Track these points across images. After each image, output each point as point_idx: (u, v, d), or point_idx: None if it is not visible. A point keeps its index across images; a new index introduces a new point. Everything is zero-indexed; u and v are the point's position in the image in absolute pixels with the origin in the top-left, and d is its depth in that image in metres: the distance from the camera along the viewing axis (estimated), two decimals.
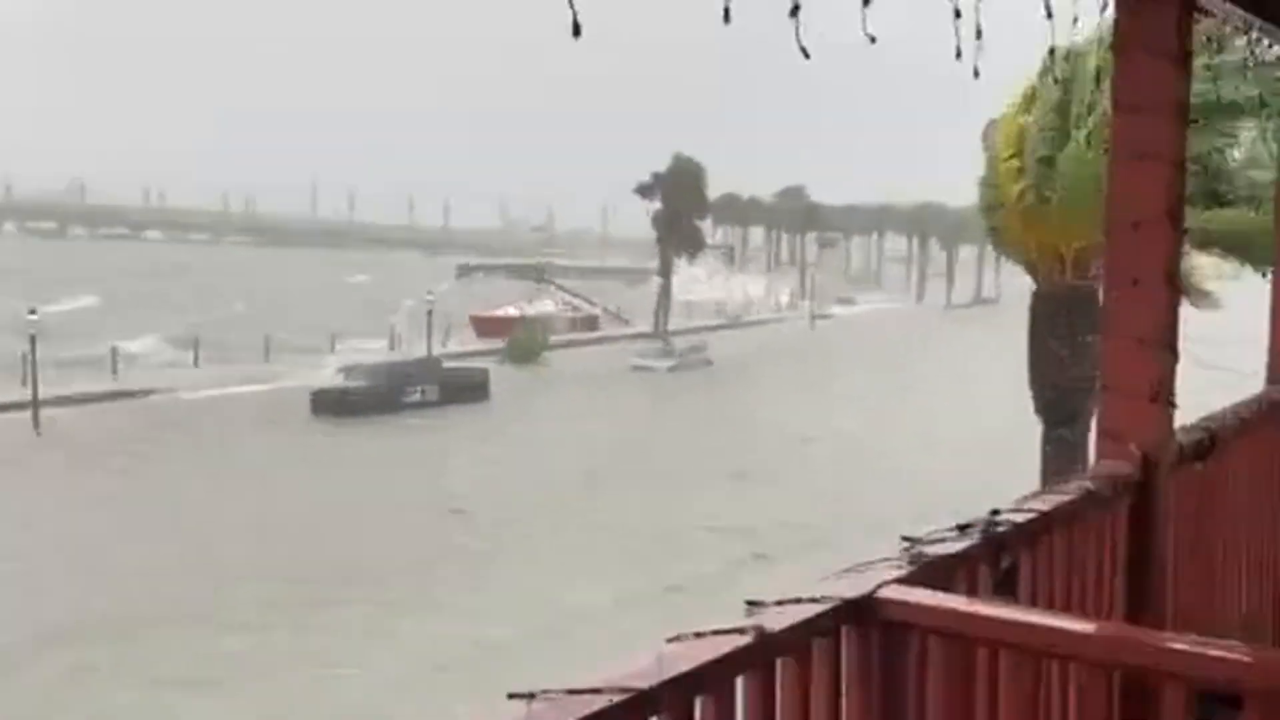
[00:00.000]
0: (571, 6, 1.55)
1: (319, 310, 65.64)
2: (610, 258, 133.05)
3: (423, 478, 27.44)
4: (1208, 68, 6.79)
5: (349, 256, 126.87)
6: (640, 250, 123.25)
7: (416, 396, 38.38)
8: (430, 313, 44.52)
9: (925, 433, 34.44)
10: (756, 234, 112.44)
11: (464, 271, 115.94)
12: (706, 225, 77.40)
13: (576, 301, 68.08)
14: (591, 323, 66.20)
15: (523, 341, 51.12)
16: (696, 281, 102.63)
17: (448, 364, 42.62)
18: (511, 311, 60.45)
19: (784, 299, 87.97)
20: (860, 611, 2.07)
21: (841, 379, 46.12)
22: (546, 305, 64.69)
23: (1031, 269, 14.77)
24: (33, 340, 34.71)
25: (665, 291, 63.86)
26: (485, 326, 59.35)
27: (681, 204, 61.57)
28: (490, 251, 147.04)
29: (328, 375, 40.92)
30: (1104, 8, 2.87)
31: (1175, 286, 3.05)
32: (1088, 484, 2.90)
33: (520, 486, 26.80)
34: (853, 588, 2.09)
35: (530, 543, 21.94)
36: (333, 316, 58.56)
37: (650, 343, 55.25)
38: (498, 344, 52.06)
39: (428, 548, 21.82)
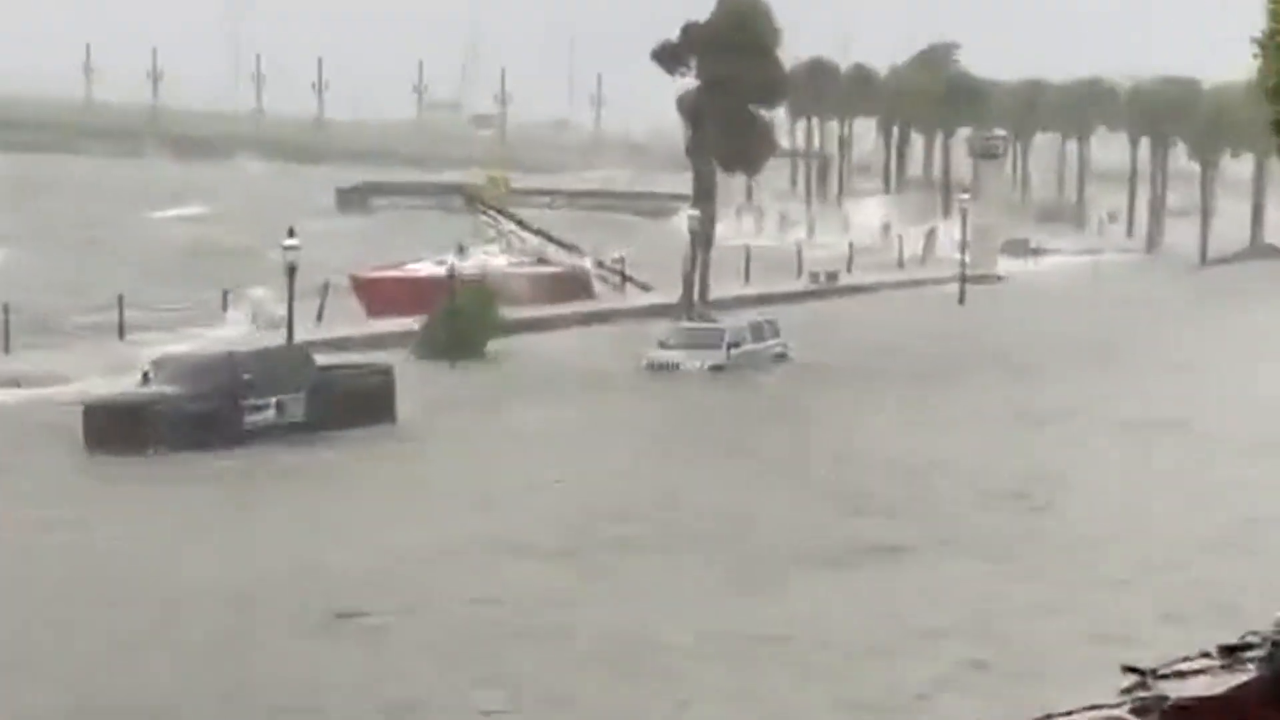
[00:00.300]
0: None
1: (102, 265, 65.58)
2: (608, 173, 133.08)
3: (295, 567, 27.30)
4: None
5: (152, 168, 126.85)
6: (660, 161, 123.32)
7: (269, 414, 38.06)
8: (293, 269, 44.20)
9: (1172, 484, 34.50)
10: (866, 131, 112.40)
11: (351, 197, 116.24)
12: (779, 117, 77.25)
13: (550, 250, 68.06)
14: (576, 288, 66.41)
15: (454, 320, 50.86)
16: (761, 216, 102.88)
17: (324, 358, 41.99)
18: (430, 269, 60.57)
19: (915, 244, 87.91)
20: None
21: (1023, 393, 46.06)
22: (495, 257, 64.68)
23: None
24: None
25: (705, 232, 63.81)
26: (380, 295, 59.43)
27: (734, 78, 61.44)
28: (398, 160, 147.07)
29: (122, 377, 41.03)
30: None
31: None
32: None
33: (473, 582, 26.67)
34: None
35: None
36: (126, 277, 58.55)
37: (679, 322, 55.16)
38: (412, 324, 52.07)
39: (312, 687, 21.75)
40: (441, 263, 60.57)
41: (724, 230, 71.41)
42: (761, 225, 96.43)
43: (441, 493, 33.61)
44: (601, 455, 37.64)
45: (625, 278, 68.95)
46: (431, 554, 28.07)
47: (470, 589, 26.01)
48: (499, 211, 69.83)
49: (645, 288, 68.08)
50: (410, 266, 62.53)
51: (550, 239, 68.68)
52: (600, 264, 68.75)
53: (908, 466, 35.80)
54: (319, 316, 55.22)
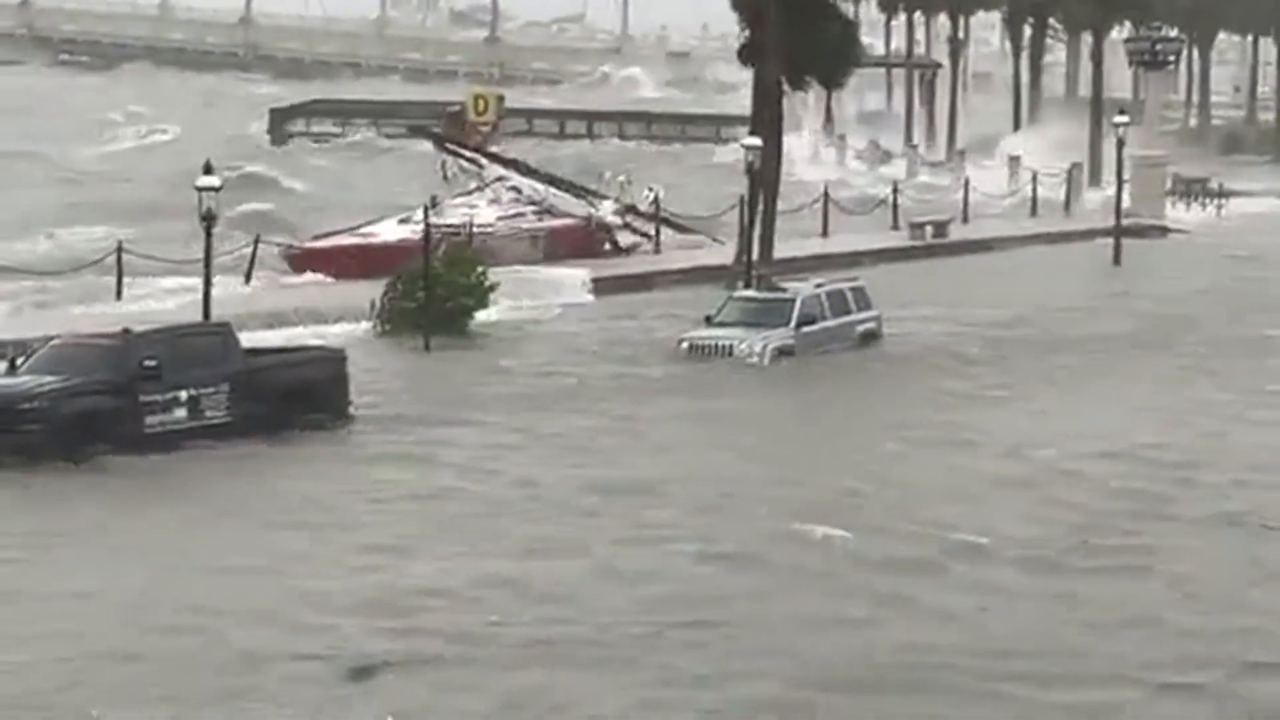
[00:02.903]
0: None
1: None
2: (634, 91, 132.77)
3: None
4: None
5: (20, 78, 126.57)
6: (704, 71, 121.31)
7: (179, 413, 38.42)
8: (210, 217, 44.03)
9: None
10: (987, 31, 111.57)
11: (288, 121, 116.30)
12: (865, 12, 76.62)
13: (555, 197, 68.51)
14: (591, 238, 66.84)
15: (426, 285, 50.85)
16: (844, 146, 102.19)
17: (252, 334, 42.92)
18: (397, 231, 62.10)
19: (1052, 178, 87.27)
20: None
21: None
22: (480, 210, 65.23)
23: None
24: None
25: (766, 167, 63.29)
26: (332, 271, 60.60)
27: None
28: (353, 72, 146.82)
29: None
30: None
31: None
32: None
33: None
34: None
35: None
36: None
37: (734, 290, 54.92)
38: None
39: None
40: (406, 220, 60.71)
41: (793, 162, 71.02)
42: (844, 159, 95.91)
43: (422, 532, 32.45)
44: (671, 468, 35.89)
45: (648, 227, 68.56)
46: None
47: None
48: (478, 152, 69.74)
49: (691, 236, 67.99)
50: (368, 229, 63.25)
51: (556, 182, 68.71)
52: (624, 213, 68.59)
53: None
54: (247, 278, 55.42)
